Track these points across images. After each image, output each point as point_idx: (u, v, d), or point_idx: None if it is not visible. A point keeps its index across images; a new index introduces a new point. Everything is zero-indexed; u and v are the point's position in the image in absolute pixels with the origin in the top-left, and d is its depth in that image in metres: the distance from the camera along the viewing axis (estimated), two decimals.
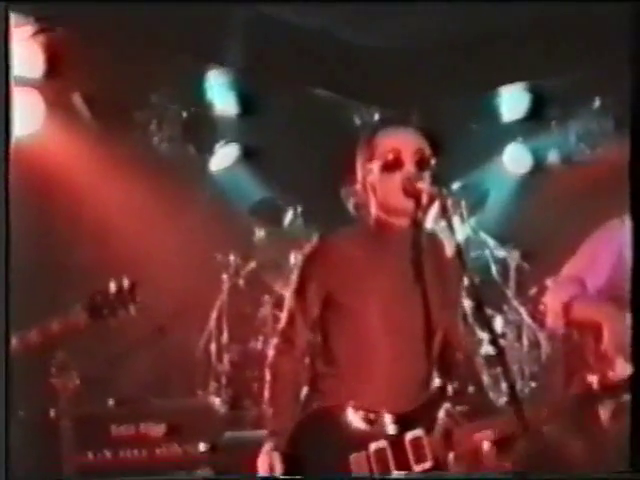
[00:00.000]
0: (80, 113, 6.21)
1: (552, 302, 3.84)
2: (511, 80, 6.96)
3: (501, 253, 6.70)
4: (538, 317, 6.17)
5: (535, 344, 6.41)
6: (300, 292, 3.02)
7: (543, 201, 6.92)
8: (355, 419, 2.90)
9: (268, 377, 3.01)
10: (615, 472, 3.08)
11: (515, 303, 6.52)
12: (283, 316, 3.07)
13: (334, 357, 2.99)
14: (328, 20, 6.53)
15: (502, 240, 6.77)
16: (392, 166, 2.93)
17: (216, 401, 6.23)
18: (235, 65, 6.54)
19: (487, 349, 5.39)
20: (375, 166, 2.96)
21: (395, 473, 2.86)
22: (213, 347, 6.62)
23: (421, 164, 2.93)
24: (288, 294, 3.11)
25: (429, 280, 2.98)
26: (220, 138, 7.14)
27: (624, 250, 3.61)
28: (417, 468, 2.87)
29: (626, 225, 3.61)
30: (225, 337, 6.63)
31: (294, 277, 3.07)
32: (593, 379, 2.95)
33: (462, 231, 6.40)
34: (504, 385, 2.77)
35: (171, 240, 6.54)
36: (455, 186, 6.44)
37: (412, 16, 6.37)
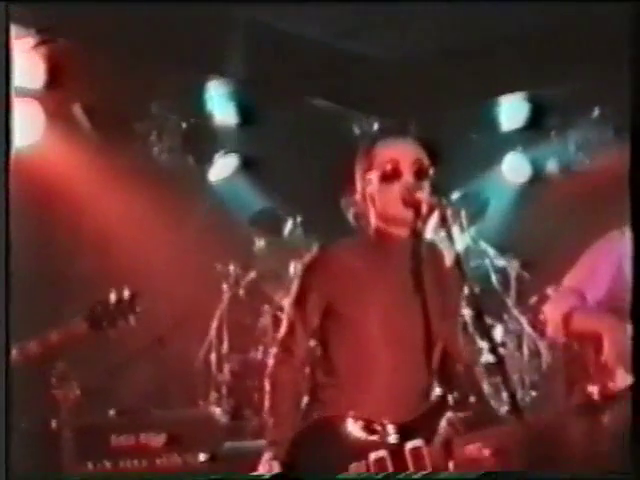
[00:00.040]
0: (80, 124, 6.22)
1: (552, 313, 3.84)
2: (510, 90, 6.97)
3: (501, 262, 6.69)
4: (538, 326, 6.16)
5: (536, 353, 6.41)
6: (300, 302, 3.02)
7: (543, 210, 6.93)
8: (355, 429, 2.90)
9: (268, 387, 3.01)
10: (616, 474, 3.07)
11: (515, 312, 6.52)
12: (282, 326, 3.07)
13: (334, 367, 2.99)
14: (327, 31, 6.55)
15: (502, 249, 6.77)
16: (391, 176, 2.94)
17: (217, 411, 6.23)
18: (235, 76, 6.55)
19: (487, 358, 5.38)
20: (374, 177, 2.97)
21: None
22: (213, 357, 6.61)
23: (420, 174, 2.94)
24: (288, 304, 3.12)
25: (429, 290, 2.98)
26: (220, 148, 7.15)
27: (624, 261, 3.61)
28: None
29: (626, 236, 3.61)
30: (225, 347, 6.63)
31: (294, 287, 3.08)
32: (594, 389, 2.95)
33: (462, 240, 6.40)
34: (505, 394, 2.76)
35: (171, 250, 6.55)
36: (455, 196, 6.45)
37: (411, 26, 6.39)
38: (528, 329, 6.43)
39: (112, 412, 5.29)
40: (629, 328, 3.33)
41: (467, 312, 3.29)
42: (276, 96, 6.78)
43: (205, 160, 7.09)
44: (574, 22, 6.06)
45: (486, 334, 3.60)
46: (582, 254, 3.88)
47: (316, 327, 3.01)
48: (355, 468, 2.85)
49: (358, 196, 3.04)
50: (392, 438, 2.89)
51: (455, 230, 6.22)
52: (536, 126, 7.09)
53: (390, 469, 2.86)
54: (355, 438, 2.90)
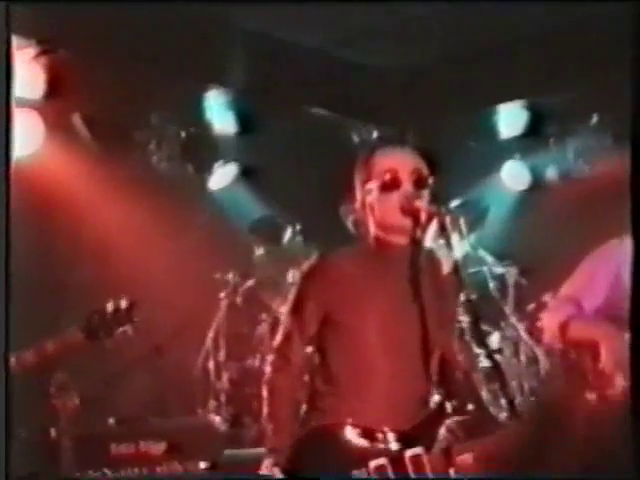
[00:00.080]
0: (80, 133, 6.23)
1: (549, 322, 3.85)
2: (509, 98, 6.99)
3: (499, 269, 6.70)
4: (536, 333, 6.16)
5: (533, 360, 6.41)
6: (297, 310, 3.02)
7: (541, 218, 6.94)
8: (354, 437, 2.90)
9: (265, 394, 3.01)
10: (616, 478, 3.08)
11: (513, 319, 6.52)
12: (279, 333, 3.07)
13: (333, 375, 2.99)
14: (326, 40, 6.57)
15: (500, 256, 6.77)
16: (390, 186, 2.95)
17: (216, 419, 6.22)
18: (234, 85, 6.56)
19: (484, 364, 5.38)
20: (373, 186, 2.98)
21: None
22: (212, 365, 6.61)
23: (419, 183, 2.95)
24: (285, 311, 3.12)
25: (427, 298, 2.99)
26: (219, 157, 7.15)
27: (622, 270, 3.62)
28: None
29: (624, 244, 3.62)
30: (223, 355, 6.63)
31: (292, 295, 3.08)
32: (592, 396, 2.96)
33: (461, 248, 6.41)
34: (503, 400, 2.77)
35: (170, 258, 6.55)
36: (454, 203, 6.45)
37: (410, 35, 6.41)
38: (525, 336, 6.43)
39: (112, 421, 5.29)
40: (627, 336, 3.33)
41: (464, 319, 3.30)
42: (275, 105, 6.79)
43: (204, 169, 7.10)
44: (572, 30, 6.08)
45: (482, 341, 3.60)
46: (580, 262, 3.89)
47: (313, 335, 3.02)
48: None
49: (357, 204, 3.05)
50: (392, 446, 2.90)
51: (454, 237, 6.23)
52: (535, 134, 7.10)
53: (390, 477, 2.87)
54: (355, 446, 2.90)
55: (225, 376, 6.55)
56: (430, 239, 3.10)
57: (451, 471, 2.87)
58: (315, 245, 6.26)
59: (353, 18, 6.14)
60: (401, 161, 2.98)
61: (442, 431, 2.95)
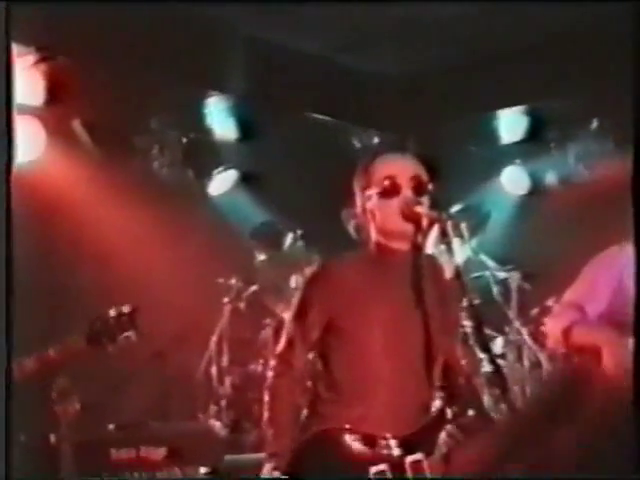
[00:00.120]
0: (81, 140, 6.23)
1: (552, 327, 3.84)
2: (509, 103, 6.99)
3: (502, 274, 6.69)
4: (539, 338, 6.16)
5: (536, 364, 6.41)
6: (300, 316, 3.03)
7: (542, 222, 6.93)
8: (355, 442, 2.90)
9: (266, 398, 3.01)
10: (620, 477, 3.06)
11: (517, 324, 6.52)
12: (282, 340, 3.07)
13: (335, 381, 2.99)
14: (326, 45, 6.57)
15: (503, 261, 6.77)
16: (389, 192, 2.95)
17: (216, 424, 6.22)
18: (234, 91, 6.57)
19: (487, 369, 5.37)
20: (373, 193, 2.98)
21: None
22: (214, 370, 6.61)
23: (418, 189, 2.95)
24: (288, 318, 3.12)
25: (430, 304, 2.99)
26: (220, 163, 7.15)
27: (625, 275, 3.61)
28: None
29: (626, 249, 3.61)
30: (226, 360, 6.63)
31: (295, 301, 3.08)
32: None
33: (462, 253, 6.40)
34: (504, 406, 2.77)
35: (172, 264, 6.54)
36: (455, 208, 6.45)
37: (410, 41, 6.41)
38: (529, 341, 6.42)
39: (112, 426, 5.28)
40: (630, 342, 3.32)
41: (467, 324, 3.29)
42: (276, 111, 6.80)
43: (205, 175, 7.10)
44: (572, 36, 6.08)
45: (485, 346, 3.60)
46: (582, 266, 3.88)
47: (315, 341, 3.02)
48: None
49: (358, 210, 3.06)
50: (394, 452, 2.89)
51: (456, 243, 6.22)
52: (535, 139, 7.10)
53: None
54: (355, 451, 2.90)
55: (227, 381, 6.55)
56: (431, 245, 3.10)
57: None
58: (316, 250, 6.26)
59: (353, 24, 6.14)
60: (400, 168, 2.99)
61: (442, 435, 2.94)
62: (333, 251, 3.19)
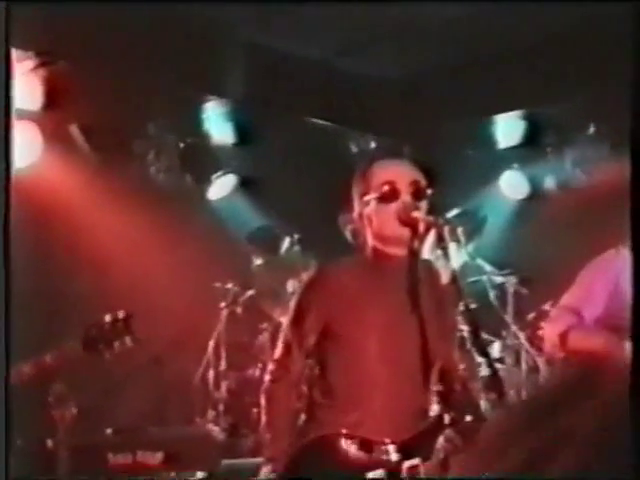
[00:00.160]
0: (78, 144, 6.22)
1: (549, 332, 3.84)
2: (507, 108, 6.99)
3: (499, 279, 6.70)
4: (536, 342, 6.16)
5: (534, 369, 6.41)
6: (297, 322, 3.03)
7: (540, 227, 6.93)
8: (352, 448, 2.90)
9: (263, 402, 3.01)
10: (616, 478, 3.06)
11: (514, 328, 6.52)
12: (278, 345, 3.07)
13: (331, 387, 2.99)
14: (324, 50, 6.58)
15: (500, 266, 6.77)
16: (388, 197, 2.95)
17: (214, 429, 6.21)
18: (232, 95, 6.57)
19: (484, 374, 5.37)
20: (371, 198, 2.98)
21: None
22: (211, 375, 6.60)
23: (417, 194, 2.96)
24: (285, 323, 3.12)
25: (426, 309, 2.99)
26: (217, 168, 7.15)
27: (621, 278, 3.62)
28: None
29: (622, 253, 3.62)
30: (223, 365, 6.62)
31: (292, 307, 3.08)
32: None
33: (459, 258, 6.40)
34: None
35: (169, 269, 6.54)
36: (452, 213, 6.45)
37: (408, 45, 6.42)
38: (526, 345, 6.42)
39: (109, 431, 5.28)
40: (627, 345, 3.32)
41: (464, 328, 3.29)
42: (273, 115, 6.80)
43: (203, 179, 7.10)
44: (570, 40, 6.09)
45: (482, 350, 3.60)
46: (580, 270, 3.89)
47: (312, 346, 3.02)
48: None
49: (355, 215, 3.06)
50: (391, 457, 2.89)
51: (452, 247, 6.22)
52: (533, 143, 7.10)
53: None
54: (352, 457, 2.90)
55: (224, 386, 6.54)
56: (428, 250, 3.10)
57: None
58: (313, 255, 6.26)
59: (351, 28, 6.15)
60: (399, 173, 2.99)
61: (440, 440, 2.94)
62: (330, 256, 3.19)
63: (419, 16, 5.94)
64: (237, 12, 5.82)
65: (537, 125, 7.01)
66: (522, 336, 6.45)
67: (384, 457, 2.89)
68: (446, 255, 2.85)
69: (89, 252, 6.29)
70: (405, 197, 2.94)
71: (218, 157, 7.13)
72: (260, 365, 6.38)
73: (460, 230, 6.42)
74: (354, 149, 7.48)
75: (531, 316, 6.46)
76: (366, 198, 2.99)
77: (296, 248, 6.71)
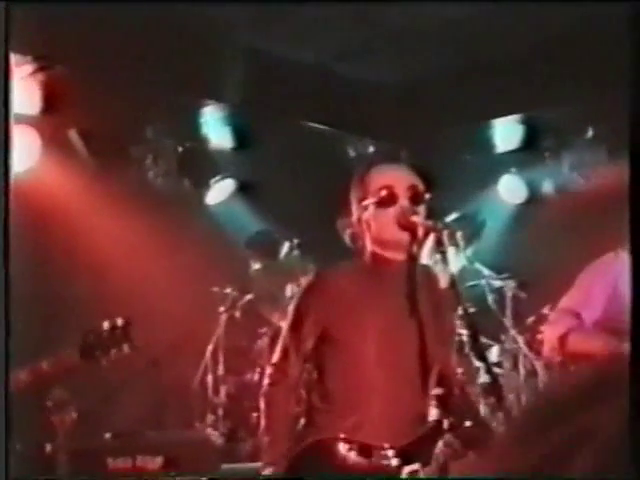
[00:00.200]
0: (76, 149, 6.22)
1: (548, 335, 3.85)
2: (505, 112, 7.00)
3: (497, 283, 6.70)
4: (535, 346, 6.16)
5: (532, 373, 6.41)
6: (296, 325, 3.03)
7: (538, 231, 6.94)
8: (352, 452, 2.90)
9: (262, 406, 3.02)
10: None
11: (512, 332, 6.52)
12: (277, 350, 3.07)
13: (330, 392, 2.99)
14: (322, 54, 6.59)
15: (498, 270, 6.77)
16: (386, 202, 2.95)
17: (213, 433, 6.21)
18: (230, 100, 6.57)
19: (483, 378, 5.37)
20: (369, 203, 2.98)
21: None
22: (210, 379, 6.60)
23: (415, 199, 2.95)
24: (284, 328, 3.12)
25: (425, 314, 2.99)
26: (216, 172, 7.15)
27: (620, 281, 3.62)
28: None
29: (621, 256, 3.62)
30: (221, 369, 6.62)
31: (290, 312, 3.08)
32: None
33: (458, 262, 6.41)
34: (501, 414, 2.77)
35: (167, 273, 6.54)
36: (451, 217, 6.46)
37: (406, 50, 6.43)
38: (525, 349, 6.43)
39: (108, 435, 5.27)
40: (626, 348, 3.32)
41: (463, 332, 3.29)
42: (271, 120, 6.80)
43: (201, 184, 7.10)
44: (568, 44, 6.10)
45: (481, 354, 3.60)
46: (578, 273, 3.89)
47: (310, 350, 3.02)
48: None
49: (354, 219, 3.06)
50: (391, 462, 2.89)
51: (451, 251, 6.23)
52: (531, 147, 7.11)
53: None
54: (351, 462, 2.89)
55: (223, 390, 6.54)
56: (427, 254, 3.10)
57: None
58: (312, 259, 6.26)
59: (349, 33, 6.16)
60: (397, 177, 2.99)
61: (439, 445, 2.94)
62: (328, 260, 3.19)
63: (417, 21, 5.94)
64: (235, 17, 5.83)
65: (535, 129, 7.02)
66: (521, 340, 6.45)
67: (384, 462, 2.89)
68: (445, 259, 2.85)
69: (87, 257, 6.29)
70: (403, 202, 2.93)
71: (216, 162, 7.13)
72: (259, 369, 6.38)
73: (459, 234, 6.43)
74: (352, 153, 7.49)
75: (530, 320, 6.47)
76: (364, 203, 2.99)
77: (295, 253, 6.71)
